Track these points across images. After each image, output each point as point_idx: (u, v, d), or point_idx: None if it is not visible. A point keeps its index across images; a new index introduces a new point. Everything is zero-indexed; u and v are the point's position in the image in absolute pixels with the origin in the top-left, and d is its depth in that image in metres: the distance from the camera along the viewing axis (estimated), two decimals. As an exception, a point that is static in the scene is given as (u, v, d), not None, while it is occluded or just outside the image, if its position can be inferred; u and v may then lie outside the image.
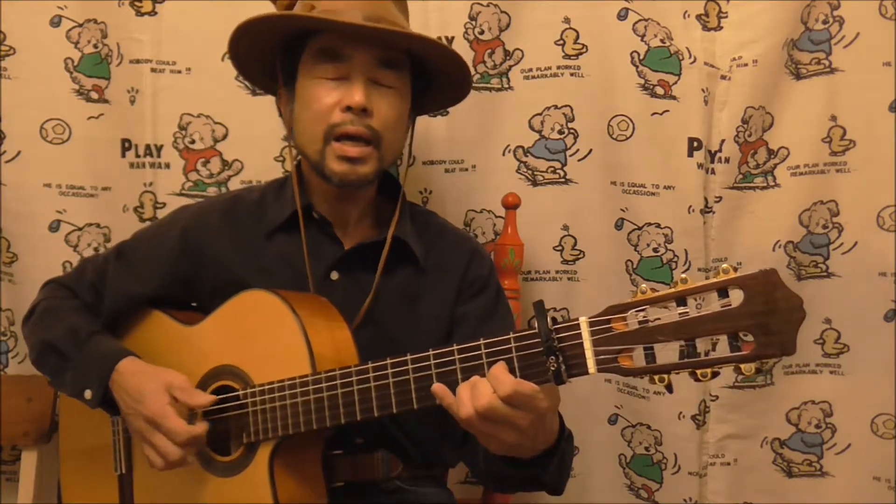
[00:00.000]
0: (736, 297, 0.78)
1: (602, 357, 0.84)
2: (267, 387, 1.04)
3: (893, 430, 1.51)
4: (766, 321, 0.76)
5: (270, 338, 1.07)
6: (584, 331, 0.85)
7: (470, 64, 1.54)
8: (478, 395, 0.86)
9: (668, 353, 0.81)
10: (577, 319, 0.85)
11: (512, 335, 0.89)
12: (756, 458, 1.58)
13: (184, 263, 1.20)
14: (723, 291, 0.78)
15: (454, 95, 1.29)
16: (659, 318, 0.81)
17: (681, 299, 0.80)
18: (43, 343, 1.18)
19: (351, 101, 1.09)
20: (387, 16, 1.12)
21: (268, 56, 1.20)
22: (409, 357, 0.95)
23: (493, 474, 1.06)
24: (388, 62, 1.13)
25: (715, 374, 0.79)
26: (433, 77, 1.21)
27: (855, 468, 1.54)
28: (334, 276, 1.18)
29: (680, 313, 0.80)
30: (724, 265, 0.78)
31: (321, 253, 1.18)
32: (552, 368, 0.85)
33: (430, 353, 0.93)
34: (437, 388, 0.90)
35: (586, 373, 0.85)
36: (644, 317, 0.82)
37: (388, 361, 0.96)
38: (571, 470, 1.04)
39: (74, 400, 1.16)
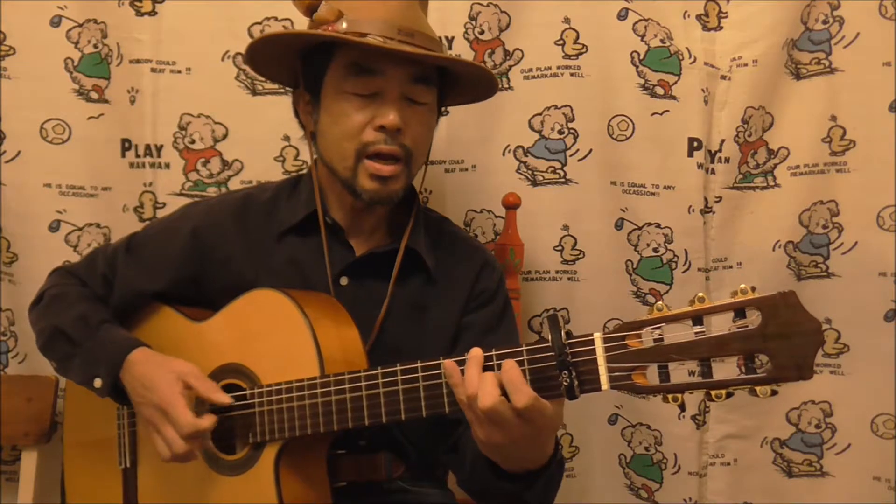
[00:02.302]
0: (753, 317, 0.77)
1: (616, 374, 0.83)
2: (275, 387, 1.04)
3: (893, 430, 1.51)
4: (783, 344, 0.76)
5: (278, 337, 1.07)
6: (599, 347, 0.84)
7: (470, 64, 1.55)
8: (485, 394, 0.85)
9: (682, 371, 0.80)
10: (592, 335, 0.85)
11: (525, 347, 0.88)
12: (756, 458, 1.58)
13: (193, 262, 1.20)
14: (740, 312, 0.78)
15: (472, 100, 1.29)
16: (674, 336, 0.80)
17: (697, 318, 0.79)
18: (52, 328, 1.17)
19: (385, 120, 1.08)
20: (418, 26, 1.10)
21: (289, 60, 1.18)
22: (419, 364, 0.94)
23: (477, 484, 1.05)
24: (420, 79, 1.11)
25: (730, 395, 0.79)
26: (458, 89, 1.20)
27: (855, 468, 1.54)
28: (343, 281, 1.17)
29: (696, 332, 0.79)
30: (743, 285, 0.77)
31: (332, 258, 1.17)
32: (565, 383, 0.85)
33: (442, 361, 0.93)
34: (448, 364, 0.90)
35: (599, 389, 0.84)
36: (659, 334, 0.81)
37: (398, 368, 0.96)
38: (573, 474, 1.03)
39: (80, 392, 1.16)
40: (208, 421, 1.02)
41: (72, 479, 1.29)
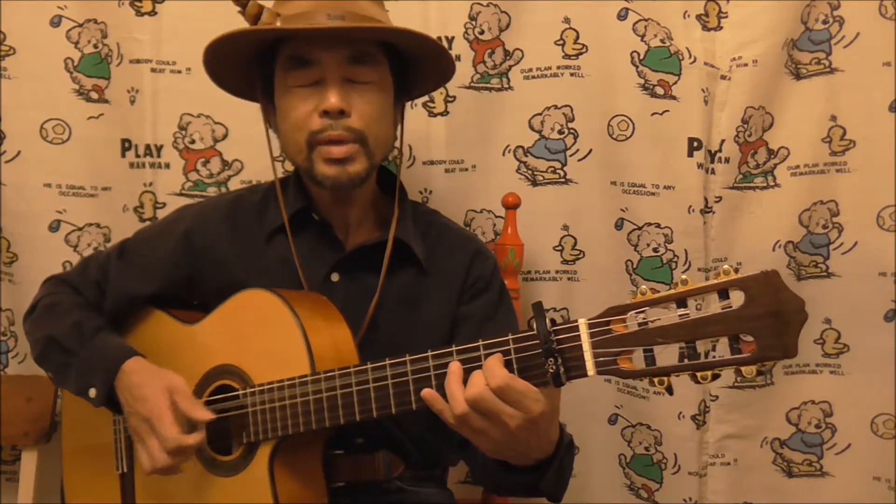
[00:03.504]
0: (737, 298, 0.77)
1: (601, 359, 0.83)
2: (266, 387, 1.04)
3: (893, 430, 1.51)
4: (767, 323, 0.75)
5: (269, 337, 1.07)
6: (583, 332, 0.84)
7: (470, 64, 1.54)
8: (469, 384, 0.86)
9: (668, 354, 0.80)
10: (576, 321, 0.85)
11: (511, 336, 0.88)
12: (756, 458, 1.58)
13: (186, 264, 1.20)
14: (723, 293, 0.78)
15: (439, 75, 1.25)
16: (659, 320, 0.80)
17: (681, 301, 0.79)
18: (46, 339, 1.18)
19: (327, 104, 1.08)
20: (352, 9, 1.10)
21: (246, 71, 1.20)
22: (407, 358, 0.95)
23: (489, 479, 1.05)
24: (359, 58, 1.11)
25: (715, 377, 0.79)
26: (414, 61, 1.18)
27: (855, 468, 1.54)
28: (335, 277, 1.17)
29: (680, 315, 0.79)
30: (725, 266, 0.78)
31: (322, 254, 1.17)
32: (551, 370, 0.85)
33: (430, 353, 0.93)
34: (427, 393, 0.90)
35: (585, 375, 0.84)
36: (644, 318, 0.81)
37: (387, 362, 0.96)
38: (572, 474, 1.03)
39: (76, 399, 1.16)
40: (194, 438, 1.02)
41: (71, 485, 1.30)
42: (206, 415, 1.03)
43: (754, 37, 1.51)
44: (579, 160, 1.57)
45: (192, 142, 1.56)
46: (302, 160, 1.13)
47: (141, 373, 1.08)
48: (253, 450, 1.06)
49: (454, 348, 0.91)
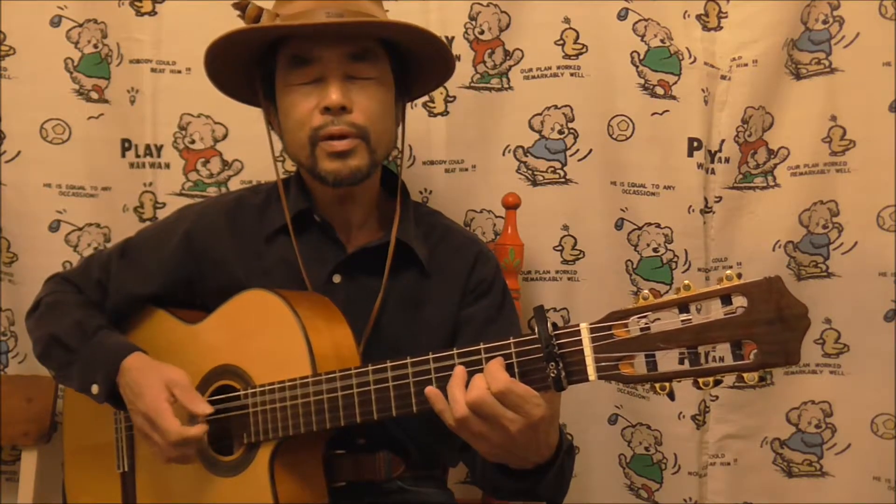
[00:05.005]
0: (739, 304, 0.77)
1: (603, 364, 0.83)
2: (267, 387, 1.04)
3: (893, 430, 1.51)
4: (769, 329, 0.75)
5: (271, 337, 1.07)
6: (585, 337, 0.84)
7: (470, 64, 1.55)
8: (470, 387, 0.86)
9: (669, 360, 0.80)
10: (578, 325, 0.85)
11: (512, 340, 0.88)
12: (756, 458, 1.58)
13: (186, 265, 1.20)
14: (726, 298, 0.77)
15: (440, 73, 1.25)
16: (659, 321, 0.80)
17: (683, 306, 0.79)
18: (49, 336, 1.18)
19: (328, 101, 1.08)
20: (349, 7, 1.10)
21: (247, 73, 1.20)
22: (409, 360, 0.95)
23: (488, 482, 1.06)
24: (359, 55, 1.11)
25: (717, 383, 0.78)
26: (414, 59, 1.18)
27: (855, 468, 1.54)
28: (336, 279, 1.17)
29: (682, 320, 0.79)
30: (728, 271, 0.77)
31: (323, 256, 1.17)
32: (552, 375, 0.85)
33: (430, 356, 0.93)
34: (431, 391, 0.90)
35: (586, 380, 0.84)
36: (646, 323, 0.81)
37: (388, 364, 0.96)
38: (572, 475, 1.03)
39: (78, 397, 1.16)
40: (196, 430, 1.02)
41: (72, 484, 1.30)
42: (205, 408, 1.03)
43: (754, 37, 1.51)
44: (579, 160, 1.56)
45: (192, 142, 1.56)
46: (305, 158, 1.12)
47: (141, 369, 1.09)
48: (253, 450, 1.06)
49: (455, 351, 0.91)
